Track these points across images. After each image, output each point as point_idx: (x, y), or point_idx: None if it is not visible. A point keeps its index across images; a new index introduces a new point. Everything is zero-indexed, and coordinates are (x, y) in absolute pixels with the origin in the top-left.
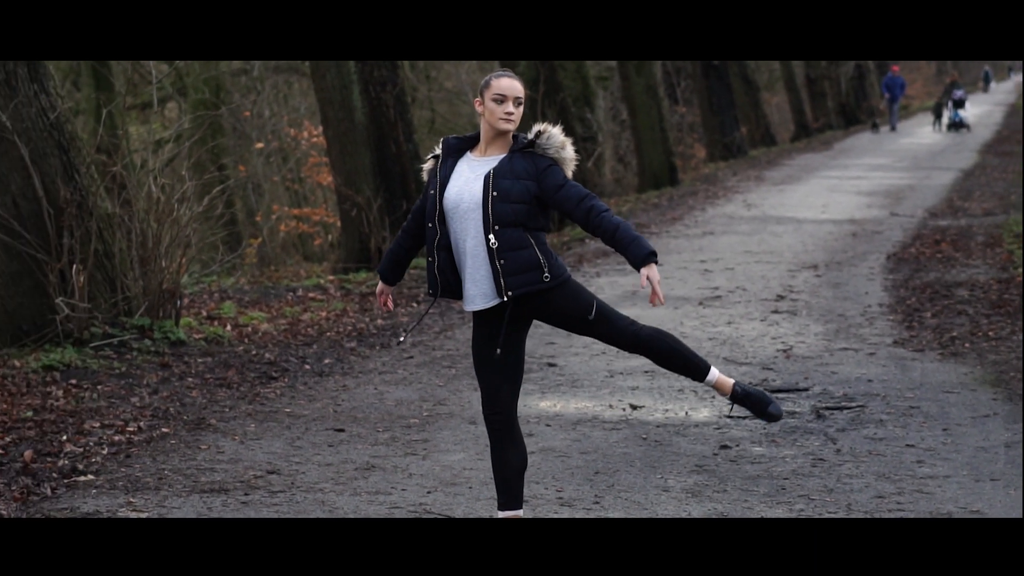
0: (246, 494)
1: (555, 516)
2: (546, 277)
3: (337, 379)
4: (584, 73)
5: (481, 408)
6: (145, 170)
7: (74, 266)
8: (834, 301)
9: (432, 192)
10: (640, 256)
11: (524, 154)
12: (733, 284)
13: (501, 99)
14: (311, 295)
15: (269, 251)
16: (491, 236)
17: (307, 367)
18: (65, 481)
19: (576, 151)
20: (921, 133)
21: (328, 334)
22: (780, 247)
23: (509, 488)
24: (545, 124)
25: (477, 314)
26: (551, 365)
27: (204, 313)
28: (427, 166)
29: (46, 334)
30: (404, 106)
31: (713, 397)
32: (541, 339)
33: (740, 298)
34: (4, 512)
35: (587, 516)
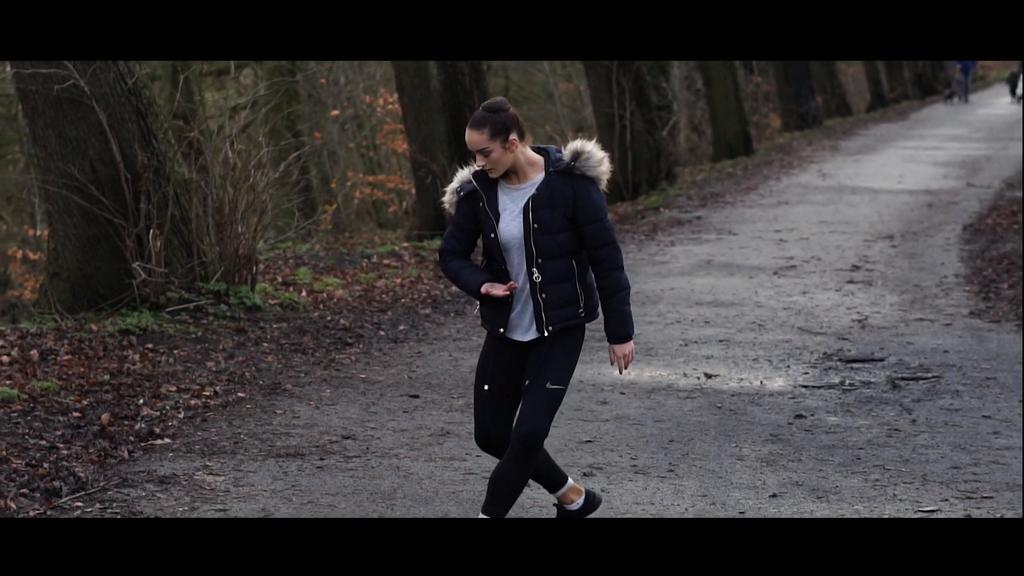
0: (321, 459)
1: (627, 485)
2: (581, 313)
3: (412, 345)
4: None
5: (475, 432)
6: (222, 136)
7: (151, 231)
8: (910, 271)
9: (492, 235)
10: (619, 334)
11: (562, 175)
12: (808, 254)
13: (473, 156)
14: (386, 262)
15: (344, 218)
16: (534, 270)
17: (382, 333)
18: (142, 444)
19: (652, 120)
20: (998, 104)
21: (403, 300)
22: (855, 217)
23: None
24: (581, 142)
25: (499, 338)
26: None
27: (279, 279)
28: (450, 200)
29: (123, 298)
30: (480, 73)
31: (789, 367)
32: None
33: (815, 268)
34: (82, 474)
35: (660, 484)
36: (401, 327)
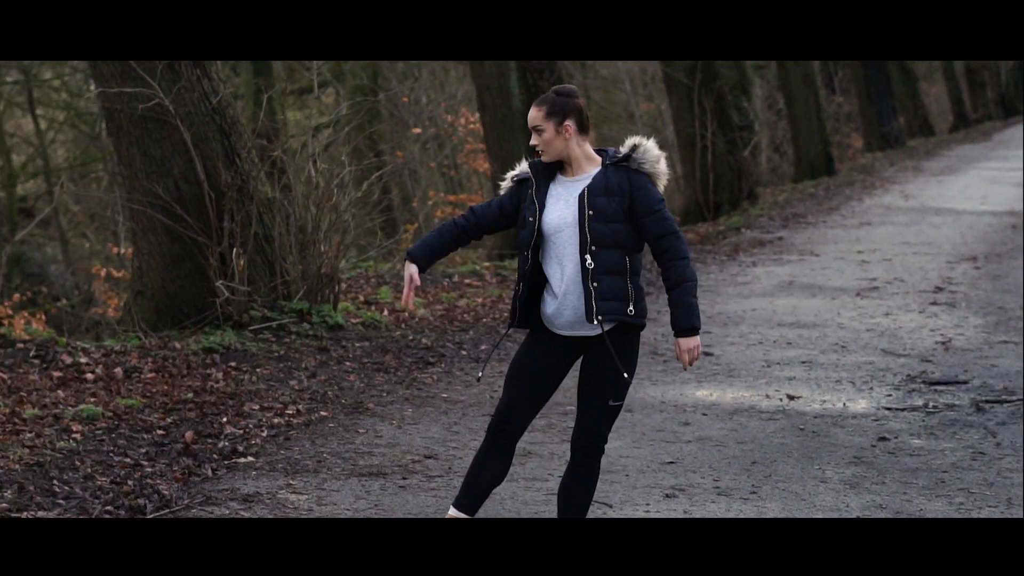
0: (404, 478)
1: (710, 507)
2: (630, 311)
3: (493, 365)
4: (741, 62)
5: (495, 414)
6: (304, 155)
7: (234, 250)
8: (994, 293)
9: (531, 219)
10: (684, 327)
11: (619, 168)
12: (891, 275)
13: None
14: (467, 281)
15: None
16: (587, 256)
17: (463, 353)
18: (225, 462)
19: (734, 140)
20: None
21: (484, 320)
22: (939, 238)
23: (475, 492)
24: (639, 137)
25: (544, 331)
26: (707, 355)
27: (361, 298)
28: (507, 184)
29: (206, 317)
30: None
31: (872, 388)
32: None
33: (898, 289)
34: (166, 492)
35: (743, 506)
36: (483, 347)
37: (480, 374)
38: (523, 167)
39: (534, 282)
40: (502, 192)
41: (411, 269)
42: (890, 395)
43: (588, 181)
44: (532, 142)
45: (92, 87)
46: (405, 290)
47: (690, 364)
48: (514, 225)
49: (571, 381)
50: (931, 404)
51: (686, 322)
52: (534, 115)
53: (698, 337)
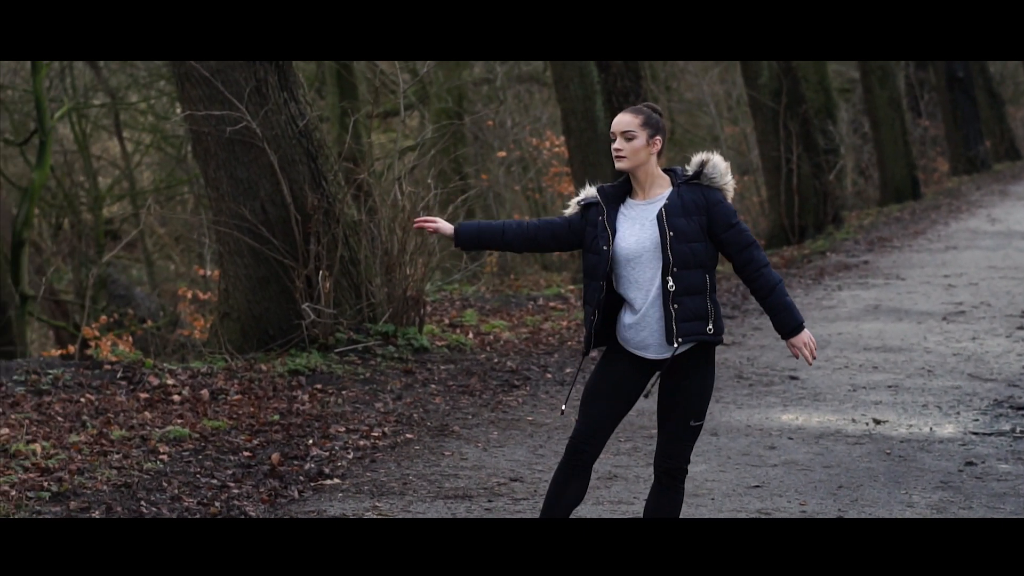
0: (489, 500)
1: None
2: (710, 329)
3: (578, 388)
4: (826, 85)
5: (573, 435)
6: (390, 178)
7: (320, 272)
8: None
9: (605, 247)
10: (790, 327)
11: (691, 186)
12: (977, 299)
13: (613, 137)
14: (551, 304)
15: (509, 260)
16: (669, 279)
17: (548, 376)
18: (312, 484)
19: (819, 164)
20: None
21: (569, 343)
22: None
23: (555, 514)
24: (705, 153)
25: (620, 351)
26: (793, 378)
27: (446, 321)
28: (571, 210)
29: (292, 339)
30: None
31: (959, 413)
32: (783, 351)
33: (985, 314)
34: (253, 513)
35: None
36: (568, 369)
37: (564, 407)
38: (590, 192)
39: (608, 306)
40: (567, 215)
41: (445, 225)
42: (977, 420)
43: (663, 202)
44: (616, 146)
45: (178, 110)
46: (426, 222)
47: (813, 357)
48: (574, 247)
49: (649, 404)
50: (1019, 429)
51: (792, 321)
52: (628, 120)
53: (807, 330)
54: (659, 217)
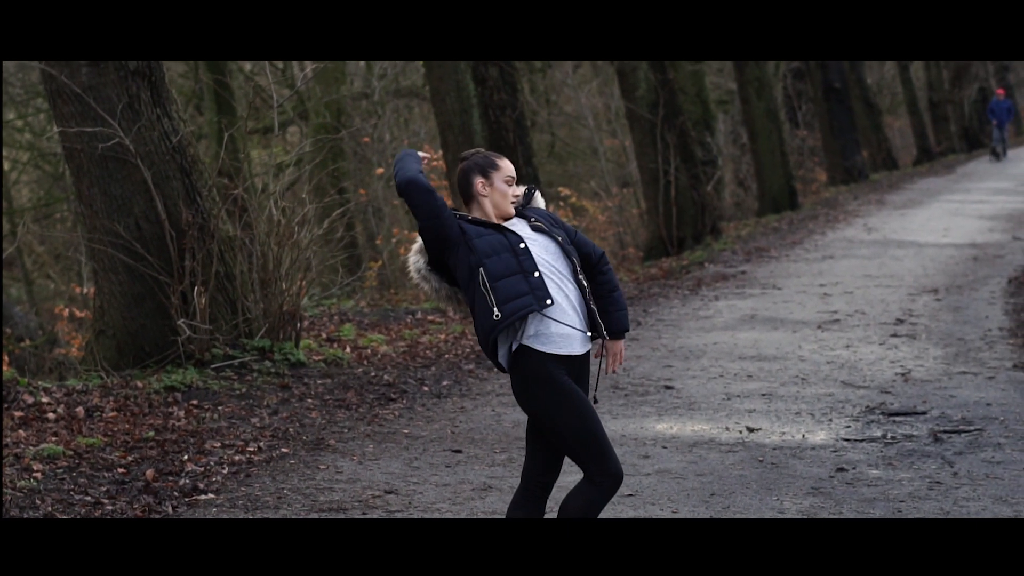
0: (364, 513)
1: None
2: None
3: (455, 401)
4: (704, 97)
5: (611, 469)
6: (266, 193)
7: (196, 288)
8: (954, 325)
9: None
10: (623, 327)
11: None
12: (852, 308)
13: (511, 182)
14: (430, 318)
15: (389, 274)
16: (581, 278)
17: (425, 389)
18: (186, 500)
19: (697, 175)
20: None
21: (446, 356)
22: (900, 271)
23: None
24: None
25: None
26: (668, 388)
27: (324, 335)
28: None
29: (168, 355)
30: (524, 130)
31: (831, 420)
32: (659, 362)
33: (859, 322)
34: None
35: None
36: (444, 382)
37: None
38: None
39: None
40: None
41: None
42: (849, 426)
43: (531, 217)
44: (514, 192)
45: (54, 127)
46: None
47: (618, 366)
48: None
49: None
50: (889, 435)
51: (626, 322)
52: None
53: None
54: (537, 229)
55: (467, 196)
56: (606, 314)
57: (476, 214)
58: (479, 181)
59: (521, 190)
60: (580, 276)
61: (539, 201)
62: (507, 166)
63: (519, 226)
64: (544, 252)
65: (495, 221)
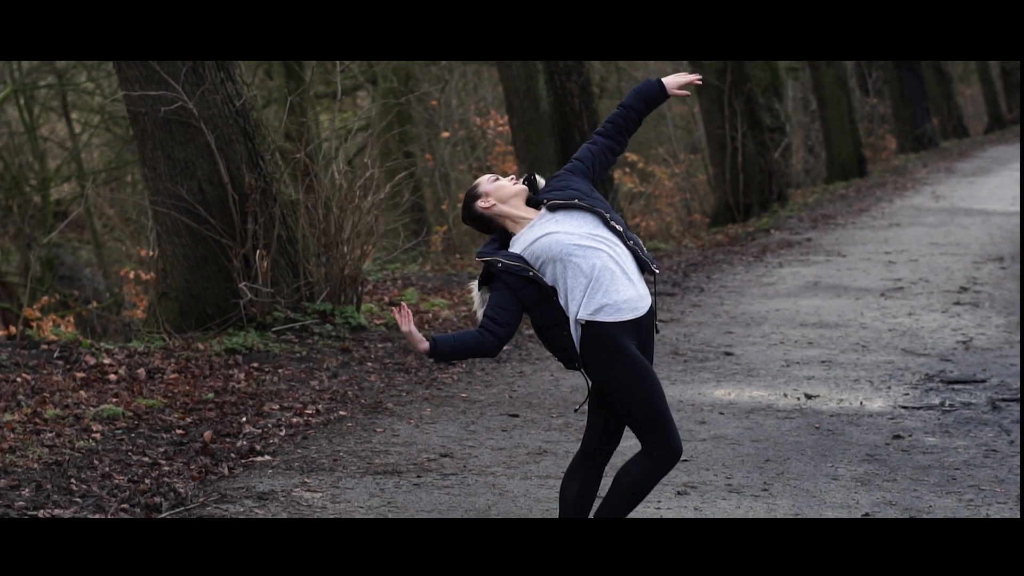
0: (418, 476)
1: (720, 504)
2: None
3: (514, 365)
4: (774, 63)
5: (671, 444)
6: (329, 158)
7: (258, 251)
8: (1018, 293)
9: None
10: (654, 84)
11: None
12: (916, 276)
13: (496, 178)
14: None
15: (455, 239)
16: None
17: None
18: (243, 461)
19: (764, 142)
20: None
21: None
22: (967, 239)
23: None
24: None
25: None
26: (728, 354)
27: (386, 299)
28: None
29: (229, 318)
30: (589, 96)
31: (890, 388)
32: (720, 328)
33: (922, 289)
34: (182, 490)
35: (754, 503)
36: (504, 347)
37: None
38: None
39: None
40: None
41: (418, 338)
42: (907, 394)
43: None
44: (515, 185)
45: (119, 90)
46: (403, 319)
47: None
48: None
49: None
50: (947, 403)
51: (652, 82)
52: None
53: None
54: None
55: (488, 227)
56: (637, 95)
57: (507, 226)
58: (479, 204)
59: (519, 182)
60: (613, 223)
61: (542, 183)
62: (483, 178)
63: (539, 224)
64: (574, 228)
65: (520, 229)
